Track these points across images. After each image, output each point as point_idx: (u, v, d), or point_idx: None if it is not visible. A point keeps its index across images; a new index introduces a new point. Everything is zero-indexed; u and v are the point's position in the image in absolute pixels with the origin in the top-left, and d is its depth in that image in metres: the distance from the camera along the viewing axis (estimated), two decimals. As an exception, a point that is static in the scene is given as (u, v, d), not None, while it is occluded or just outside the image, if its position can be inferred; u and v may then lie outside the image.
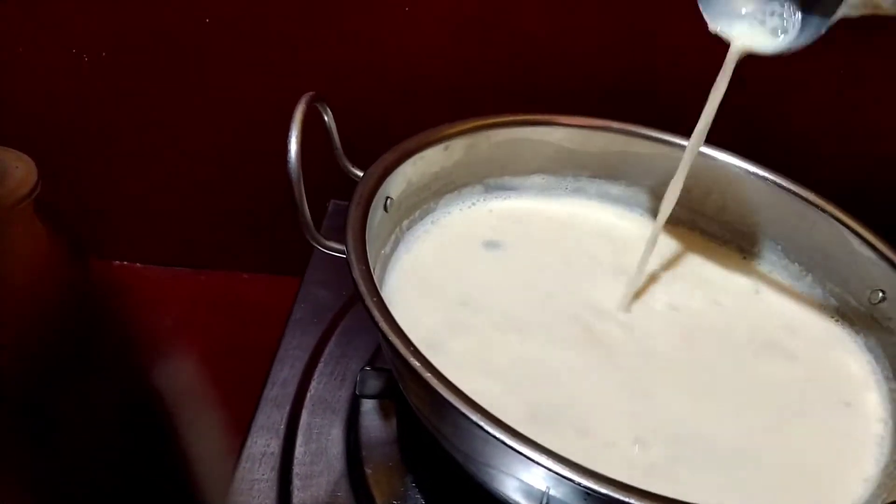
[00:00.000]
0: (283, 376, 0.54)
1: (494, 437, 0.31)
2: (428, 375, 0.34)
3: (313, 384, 0.53)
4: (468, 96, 0.70)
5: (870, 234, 0.49)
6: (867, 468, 0.42)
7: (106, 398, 0.78)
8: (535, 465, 0.31)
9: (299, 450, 0.49)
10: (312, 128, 0.46)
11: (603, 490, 0.30)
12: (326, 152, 0.49)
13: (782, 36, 0.41)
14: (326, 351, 0.56)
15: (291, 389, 0.53)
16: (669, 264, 0.55)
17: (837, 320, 0.52)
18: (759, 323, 0.51)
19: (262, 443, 0.50)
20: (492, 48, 0.68)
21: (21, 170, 0.73)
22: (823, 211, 0.51)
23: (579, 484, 0.30)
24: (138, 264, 0.89)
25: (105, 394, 0.78)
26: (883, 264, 0.48)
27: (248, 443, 0.50)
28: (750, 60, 0.44)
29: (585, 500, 0.32)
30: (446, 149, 0.52)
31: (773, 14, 0.42)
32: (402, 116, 0.63)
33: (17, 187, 0.72)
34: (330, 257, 0.64)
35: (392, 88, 0.71)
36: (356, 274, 0.38)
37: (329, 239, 0.42)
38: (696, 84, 0.68)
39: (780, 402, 0.46)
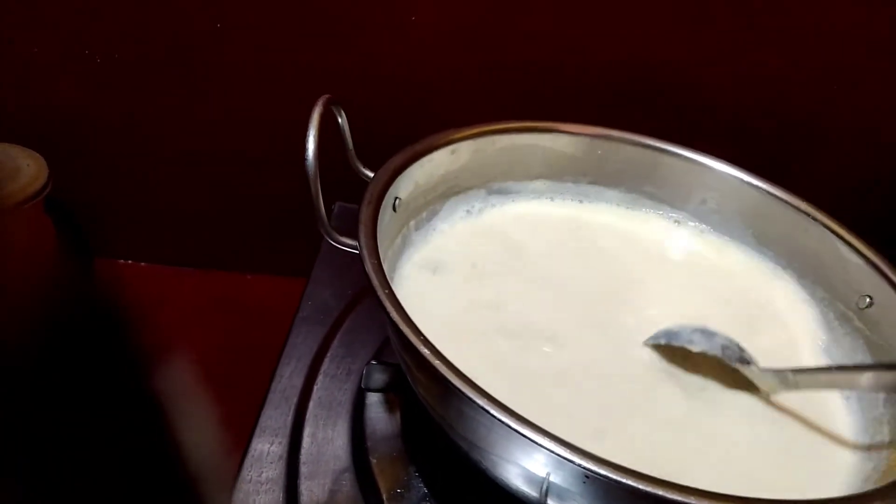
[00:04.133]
0: (290, 371, 0.56)
1: (499, 419, 0.33)
2: (437, 363, 0.35)
3: (319, 378, 0.55)
4: (474, 102, 0.72)
5: (857, 240, 0.50)
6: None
7: (108, 397, 0.79)
8: (537, 448, 0.33)
9: (306, 441, 0.50)
10: (321, 131, 0.48)
11: (602, 471, 0.32)
12: (332, 155, 0.50)
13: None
14: (332, 348, 0.58)
15: (298, 383, 0.55)
16: (668, 263, 0.58)
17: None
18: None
19: (270, 435, 0.51)
20: (496, 57, 0.70)
21: (32, 167, 0.75)
22: (814, 219, 0.53)
23: (580, 465, 0.32)
24: (143, 263, 0.90)
25: (107, 392, 0.79)
26: (870, 270, 0.49)
27: (256, 434, 0.51)
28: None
29: (584, 483, 0.34)
30: (453, 153, 0.53)
31: None
32: (410, 121, 0.65)
33: (28, 184, 0.73)
34: (335, 259, 0.66)
35: (400, 94, 0.73)
36: (368, 267, 0.40)
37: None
38: (696, 94, 0.71)
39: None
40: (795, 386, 0.45)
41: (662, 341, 0.49)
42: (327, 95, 0.44)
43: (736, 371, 0.47)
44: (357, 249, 0.42)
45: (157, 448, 0.74)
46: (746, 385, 0.47)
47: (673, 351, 0.49)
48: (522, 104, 0.72)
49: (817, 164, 0.73)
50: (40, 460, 0.71)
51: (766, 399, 0.47)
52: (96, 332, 0.85)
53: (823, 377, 0.47)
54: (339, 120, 0.47)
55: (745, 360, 0.47)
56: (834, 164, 0.74)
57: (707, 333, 0.48)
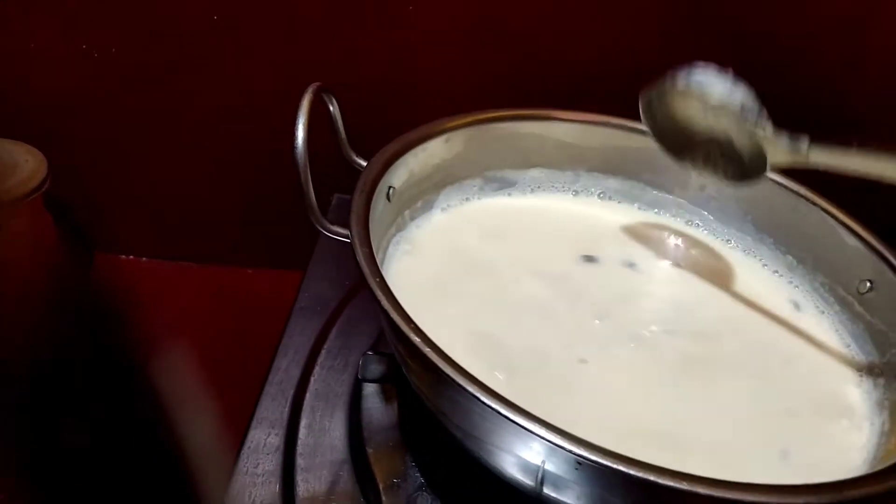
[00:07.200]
0: (287, 363, 0.56)
1: (489, 406, 0.33)
2: (427, 350, 0.35)
3: (316, 370, 0.55)
4: (470, 91, 0.71)
5: (857, 224, 0.50)
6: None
7: (109, 391, 0.79)
8: (528, 434, 0.32)
9: (302, 432, 0.50)
10: (317, 122, 0.47)
11: (593, 457, 0.31)
12: (330, 147, 0.50)
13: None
14: (329, 339, 0.57)
15: (295, 375, 0.55)
16: (662, 255, 0.57)
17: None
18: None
19: (266, 427, 0.51)
20: (493, 45, 0.69)
21: (31, 163, 0.75)
22: (813, 203, 0.52)
23: (571, 451, 0.32)
24: (144, 259, 0.90)
25: (108, 386, 0.79)
26: (870, 254, 0.49)
27: (252, 426, 0.51)
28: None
29: (577, 469, 0.34)
30: (447, 141, 0.53)
31: None
32: (405, 109, 0.64)
33: (27, 180, 0.73)
34: (332, 252, 0.66)
35: (396, 83, 0.72)
36: (360, 256, 0.40)
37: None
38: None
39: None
40: (806, 158, 0.42)
41: (680, 82, 0.45)
42: (317, 83, 0.43)
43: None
44: (349, 238, 0.41)
45: (156, 442, 0.74)
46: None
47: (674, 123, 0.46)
48: (519, 93, 0.72)
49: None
50: (37, 456, 0.72)
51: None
52: (97, 327, 0.85)
53: (836, 156, 0.41)
54: (331, 108, 0.47)
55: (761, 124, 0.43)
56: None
57: (728, 81, 0.44)
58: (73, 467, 0.73)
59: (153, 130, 0.79)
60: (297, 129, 0.41)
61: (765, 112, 0.43)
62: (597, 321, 0.50)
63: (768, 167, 0.45)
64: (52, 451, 0.73)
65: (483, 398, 0.33)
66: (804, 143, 0.43)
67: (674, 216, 0.59)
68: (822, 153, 0.42)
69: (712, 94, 0.44)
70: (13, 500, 0.70)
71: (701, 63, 0.44)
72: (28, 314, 0.80)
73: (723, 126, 0.45)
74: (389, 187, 0.49)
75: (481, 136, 0.55)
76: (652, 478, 0.31)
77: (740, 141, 0.45)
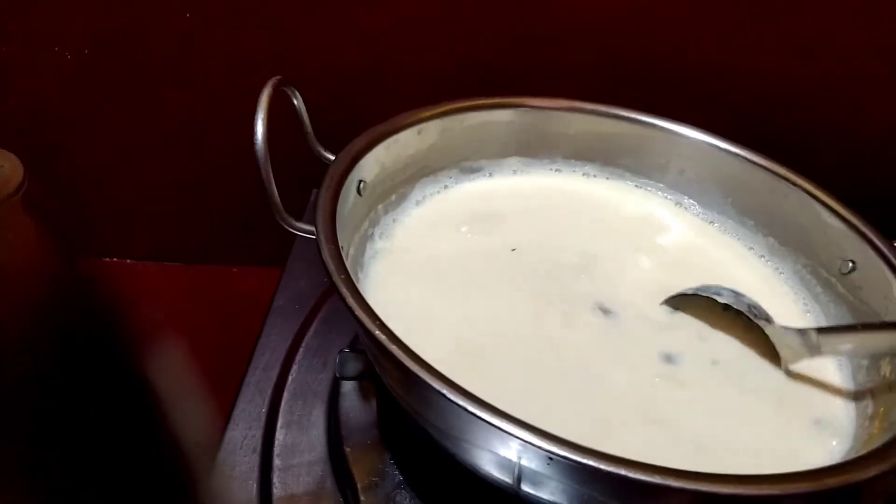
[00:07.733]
0: (265, 362, 0.55)
1: (455, 403, 0.32)
2: (393, 348, 0.34)
3: (294, 368, 0.54)
4: (443, 80, 0.70)
5: (838, 204, 0.49)
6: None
7: (95, 394, 0.78)
8: (496, 430, 0.31)
9: (280, 432, 0.49)
10: (294, 117, 0.46)
11: (562, 452, 0.31)
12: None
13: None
14: (307, 337, 0.57)
15: (273, 374, 0.54)
16: (644, 234, 0.56)
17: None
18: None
19: (243, 428, 0.50)
20: (464, 33, 0.68)
21: (6, 167, 0.73)
22: (793, 184, 0.51)
23: (539, 447, 0.31)
24: (128, 260, 0.89)
25: (94, 390, 0.78)
26: (852, 234, 0.48)
27: (229, 427, 0.50)
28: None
29: (549, 464, 0.33)
30: (419, 132, 0.52)
31: None
32: (378, 102, 0.63)
33: (3, 185, 0.72)
34: (311, 250, 0.65)
35: (367, 75, 0.71)
36: (325, 254, 0.39)
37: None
38: (670, 66, 0.69)
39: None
40: (818, 349, 0.44)
41: (689, 292, 0.48)
42: (277, 77, 0.42)
43: (758, 332, 0.46)
44: (314, 235, 0.41)
45: (142, 441, 0.74)
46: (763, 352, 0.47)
47: (695, 308, 0.49)
48: (494, 81, 0.70)
49: (807, 137, 0.71)
50: (27, 459, 0.71)
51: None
52: (82, 331, 0.84)
53: (847, 338, 0.44)
54: (295, 102, 0.46)
55: (770, 320, 0.46)
56: (822, 136, 0.71)
57: (735, 293, 0.47)
58: (61, 469, 0.72)
59: (131, 131, 0.78)
60: (256, 126, 0.40)
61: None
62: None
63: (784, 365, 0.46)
64: (42, 453, 0.72)
65: (448, 394, 0.32)
66: (812, 334, 0.44)
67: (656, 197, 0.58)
68: (832, 338, 0.44)
69: (719, 298, 0.47)
70: (10, 501, 0.69)
71: (702, 286, 0.48)
72: (11, 320, 0.80)
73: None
74: (360, 181, 0.48)
75: (454, 126, 0.54)
76: (623, 472, 0.30)
77: None
